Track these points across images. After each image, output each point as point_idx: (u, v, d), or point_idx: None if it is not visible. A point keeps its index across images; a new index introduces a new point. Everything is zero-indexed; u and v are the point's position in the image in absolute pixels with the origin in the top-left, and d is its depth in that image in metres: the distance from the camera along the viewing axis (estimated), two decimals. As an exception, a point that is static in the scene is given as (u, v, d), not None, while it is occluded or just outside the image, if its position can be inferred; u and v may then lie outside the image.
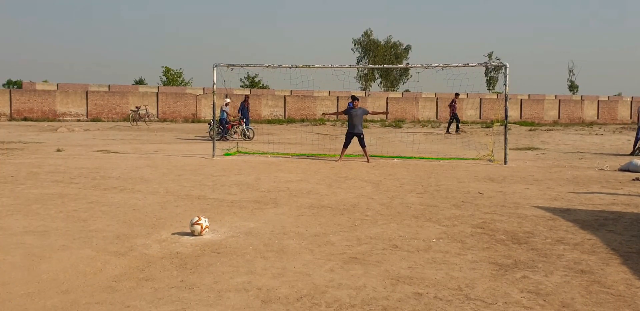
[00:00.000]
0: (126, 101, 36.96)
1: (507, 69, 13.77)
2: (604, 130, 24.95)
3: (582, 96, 50.55)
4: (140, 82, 67.84)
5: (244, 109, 22.29)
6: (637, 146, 16.07)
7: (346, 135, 14.08)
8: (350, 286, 4.33)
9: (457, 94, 24.32)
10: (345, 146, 14.01)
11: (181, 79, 62.33)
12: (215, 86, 14.51)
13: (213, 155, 14.30)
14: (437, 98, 44.04)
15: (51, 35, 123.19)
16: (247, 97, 23.22)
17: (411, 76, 65.34)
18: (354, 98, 14.11)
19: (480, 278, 4.57)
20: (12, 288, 4.23)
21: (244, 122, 21.65)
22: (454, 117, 24.80)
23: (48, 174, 10.40)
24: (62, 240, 5.62)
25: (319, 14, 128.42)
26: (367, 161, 13.57)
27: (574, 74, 70.51)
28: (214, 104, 14.88)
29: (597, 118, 46.39)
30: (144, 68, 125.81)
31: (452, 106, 24.70)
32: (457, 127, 25.06)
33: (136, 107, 32.95)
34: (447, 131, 24.86)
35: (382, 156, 14.98)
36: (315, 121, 36.85)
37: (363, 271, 4.73)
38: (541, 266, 4.92)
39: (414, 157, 14.98)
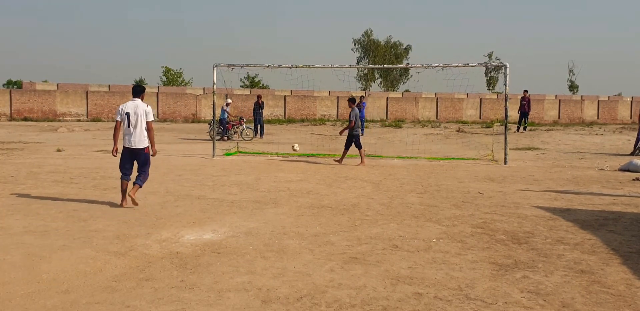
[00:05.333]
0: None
1: (507, 69, 13.78)
2: (604, 130, 24.93)
3: (582, 96, 50.50)
4: (140, 82, 67.86)
5: (258, 109, 22.92)
6: (637, 146, 16.07)
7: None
8: (350, 286, 4.33)
9: (525, 91, 23.96)
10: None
11: (181, 79, 62.31)
12: (215, 86, 14.53)
13: (213, 155, 14.31)
14: (437, 98, 44.02)
15: (51, 35, 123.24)
16: (259, 97, 24.11)
17: (411, 76, 65.17)
18: (354, 100, 13.63)
19: (480, 278, 4.57)
20: (12, 288, 4.23)
21: (243, 121, 21.74)
22: (523, 116, 24.13)
23: (48, 174, 10.40)
24: (62, 240, 5.62)
25: (319, 13, 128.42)
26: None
27: (574, 74, 70.27)
28: (214, 104, 14.89)
29: (597, 118, 46.35)
30: (144, 68, 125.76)
31: (524, 104, 23.91)
32: (520, 125, 24.07)
33: (136, 107, 32.92)
34: (524, 128, 24.05)
35: (382, 156, 14.99)
36: (315, 121, 36.85)
37: (363, 271, 4.73)
38: (541, 266, 4.92)
39: (414, 157, 14.98)
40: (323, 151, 16.20)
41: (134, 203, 7.30)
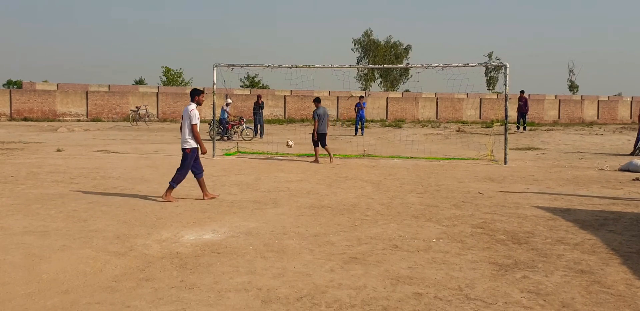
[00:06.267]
0: (126, 101, 36.97)
1: (507, 69, 13.78)
2: (604, 130, 24.94)
3: (582, 96, 50.53)
4: (140, 82, 67.84)
5: (258, 109, 23.03)
6: (637, 146, 16.06)
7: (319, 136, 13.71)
8: (351, 286, 4.33)
9: (522, 92, 24.02)
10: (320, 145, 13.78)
11: (181, 79, 62.34)
12: (215, 86, 14.53)
13: (213, 155, 14.31)
14: (437, 98, 44.03)
15: (51, 35, 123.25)
16: (259, 97, 24.32)
17: (411, 76, 65.24)
18: (319, 100, 13.75)
19: (480, 278, 4.57)
20: (12, 288, 4.23)
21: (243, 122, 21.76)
22: (521, 116, 24.11)
23: (48, 174, 10.40)
24: (62, 240, 5.62)
25: (319, 14, 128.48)
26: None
27: (574, 74, 70.42)
28: (214, 104, 14.91)
29: (597, 118, 46.37)
30: (144, 68, 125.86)
31: (521, 104, 23.95)
32: (519, 125, 24.14)
33: (136, 107, 32.97)
34: (524, 128, 24.13)
35: (382, 156, 14.98)
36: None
37: (363, 271, 4.73)
38: (541, 266, 4.92)
39: (414, 157, 14.98)
40: (322, 151, 16.17)
41: (168, 200, 7.88)
